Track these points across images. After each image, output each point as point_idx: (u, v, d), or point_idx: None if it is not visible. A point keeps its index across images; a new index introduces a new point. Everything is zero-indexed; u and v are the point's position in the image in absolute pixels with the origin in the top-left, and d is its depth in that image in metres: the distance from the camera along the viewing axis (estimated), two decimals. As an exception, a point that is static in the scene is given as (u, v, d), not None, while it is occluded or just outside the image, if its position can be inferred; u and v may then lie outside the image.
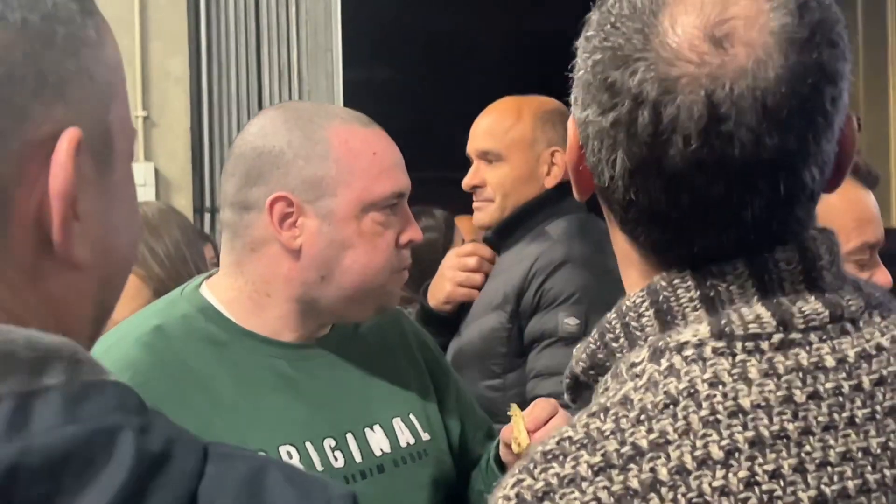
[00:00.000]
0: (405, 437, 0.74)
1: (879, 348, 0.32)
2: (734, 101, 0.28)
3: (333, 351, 0.74)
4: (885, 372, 0.31)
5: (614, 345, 0.35)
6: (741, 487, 0.27)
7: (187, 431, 0.21)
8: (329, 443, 0.69)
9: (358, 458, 0.70)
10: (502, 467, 0.72)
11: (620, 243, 0.37)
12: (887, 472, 0.30)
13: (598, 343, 0.36)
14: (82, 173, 0.20)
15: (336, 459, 0.68)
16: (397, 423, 0.74)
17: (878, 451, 0.30)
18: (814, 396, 0.30)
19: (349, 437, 0.70)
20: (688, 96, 0.28)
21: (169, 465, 0.18)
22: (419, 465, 0.74)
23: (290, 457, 0.65)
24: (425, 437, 0.76)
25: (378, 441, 0.72)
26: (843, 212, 0.75)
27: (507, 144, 1.20)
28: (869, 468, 0.29)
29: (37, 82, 0.19)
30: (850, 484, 0.29)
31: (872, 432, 0.30)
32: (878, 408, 0.31)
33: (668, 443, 0.28)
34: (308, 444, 0.67)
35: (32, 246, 0.19)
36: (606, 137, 0.31)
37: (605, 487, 0.28)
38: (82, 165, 0.20)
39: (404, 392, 0.77)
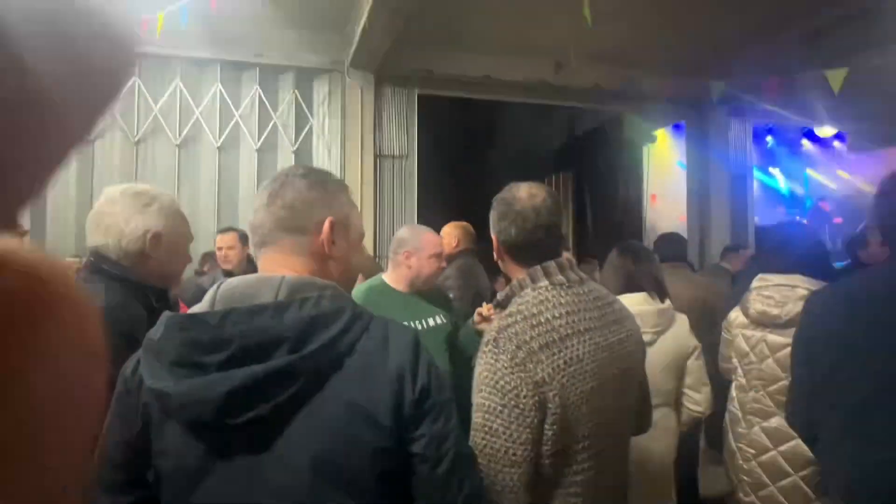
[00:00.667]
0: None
1: (598, 291, 1.10)
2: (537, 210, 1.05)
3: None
4: (604, 300, 1.09)
5: (517, 289, 1.05)
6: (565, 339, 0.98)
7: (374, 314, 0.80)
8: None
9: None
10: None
11: (510, 263, 1.10)
12: (615, 343, 1.04)
13: (511, 290, 1.06)
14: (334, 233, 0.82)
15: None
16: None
17: (612, 339, 1.04)
18: (586, 309, 1.02)
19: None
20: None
21: (364, 320, 0.75)
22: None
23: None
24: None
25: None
26: None
27: None
28: (607, 348, 1.02)
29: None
30: (603, 353, 1.01)
31: (608, 331, 1.04)
32: (608, 318, 1.06)
33: (541, 313, 0.98)
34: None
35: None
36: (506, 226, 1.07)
37: (524, 328, 0.95)
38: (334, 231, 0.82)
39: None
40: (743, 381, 1.70)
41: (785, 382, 1.56)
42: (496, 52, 4.64)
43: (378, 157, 4.54)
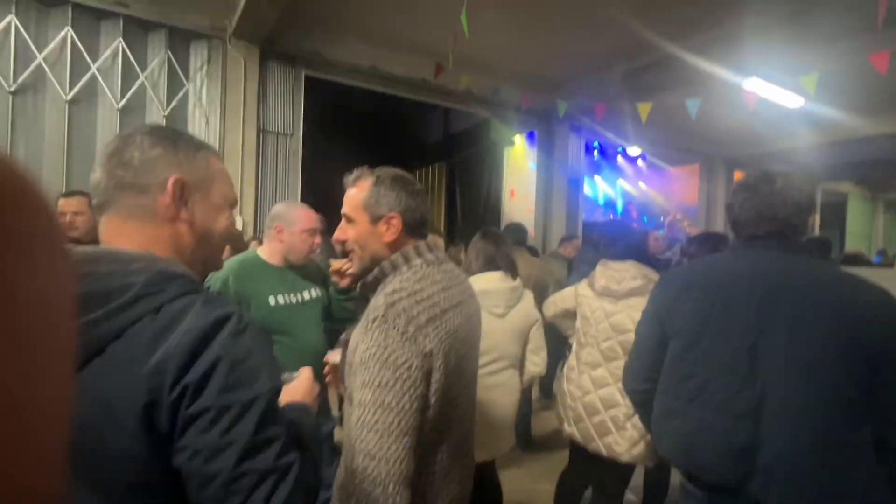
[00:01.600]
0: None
1: (455, 269, 1.06)
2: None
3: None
4: (460, 278, 1.06)
5: (389, 269, 0.96)
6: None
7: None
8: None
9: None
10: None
11: (402, 240, 0.98)
12: (473, 314, 1.04)
13: (381, 271, 0.96)
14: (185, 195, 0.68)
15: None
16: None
17: (471, 310, 1.03)
18: (454, 285, 0.99)
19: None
20: None
21: (154, 301, 0.58)
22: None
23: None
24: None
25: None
26: None
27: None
28: (469, 319, 1.00)
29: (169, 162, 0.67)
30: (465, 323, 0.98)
31: (467, 304, 1.02)
32: (466, 293, 1.04)
33: (423, 290, 0.92)
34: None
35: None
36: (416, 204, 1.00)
37: (411, 303, 0.87)
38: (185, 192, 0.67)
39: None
40: (582, 339, 1.86)
41: (613, 342, 1.74)
42: (384, 45, 4.44)
43: (262, 132, 4.07)
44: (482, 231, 1.77)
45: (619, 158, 8.32)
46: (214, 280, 1.51)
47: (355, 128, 7.28)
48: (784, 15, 3.30)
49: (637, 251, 1.80)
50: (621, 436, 1.68)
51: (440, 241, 1.73)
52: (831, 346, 0.98)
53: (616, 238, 1.85)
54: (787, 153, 6.79)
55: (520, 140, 6.77)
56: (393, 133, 7.94)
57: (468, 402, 1.00)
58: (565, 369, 1.95)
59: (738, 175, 7.99)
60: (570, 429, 1.83)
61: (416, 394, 0.81)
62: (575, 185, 5.69)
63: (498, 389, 1.62)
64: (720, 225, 7.28)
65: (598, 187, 9.36)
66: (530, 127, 5.98)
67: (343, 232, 1.00)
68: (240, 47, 3.86)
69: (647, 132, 6.28)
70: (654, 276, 1.73)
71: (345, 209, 1.00)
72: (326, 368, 1.13)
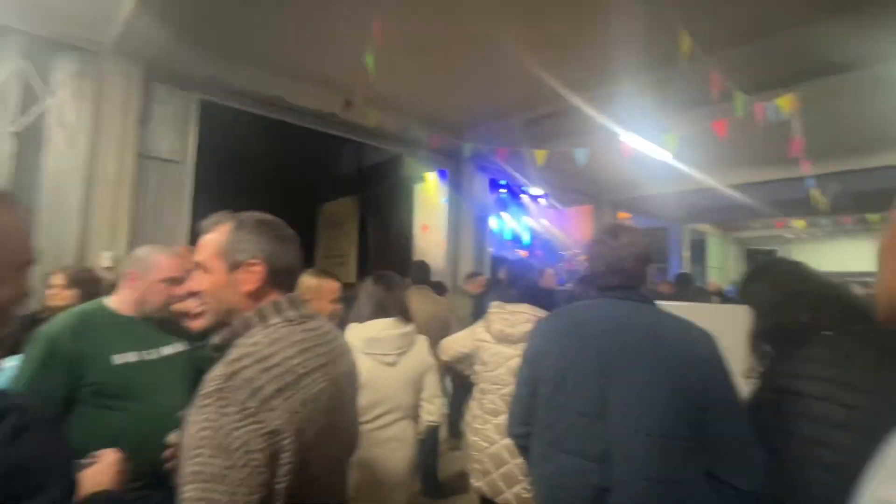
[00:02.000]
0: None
1: (325, 326, 0.96)
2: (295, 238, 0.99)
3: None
4: (331, 335, 0.96)
5: (242, 329, 0.84)
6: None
7: None
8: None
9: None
10: None
11: (266, 291, 0.88)
12: (342, 376, 0.93)
13: (233, 330, 0.85)
14: None
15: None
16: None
17: (341, 370, 0.93)
18: (318, 345, 0.89)
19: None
20: None
21: None
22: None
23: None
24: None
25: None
26: None
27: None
28: (336, 382, 0.90)
29: None
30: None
31: (336, 364, 0.92)
32: (336, 351, 0.93)
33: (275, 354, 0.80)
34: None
35: None
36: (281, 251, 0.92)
37: (256, 372, 0.75)
38: None
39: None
40: (483, 385, 1.82)
41: (513, 387, 1.65)
42: (292, 76, 4.30)
43: (143, 157, 3.64)
44: (374, 275, 1.70)
45: (525, 197, 8.89)
46: (41, 338, 1.23)
47: (261, 159, 6.90)
48: (650, 82, 3.82)
49: (532, 293, 1.84)
50: (531, 482, 1.63)
51: (330, 285, 1.61)
52: (664, 389, 1.05)
53: (516, 279, 1.90)
54: (660, 198, 7.79)
55: (432, 176, 6.93)
56: (302, 166, 7.67)
57: (335, 476, 0.89)
58: (468, 417, 1.89)
59: (621, 216, 8.97)
60: (477, 483, 1.76)
61: (257, 483, 0.68)
62: (482, 221, 5.91)
63: (390, 444, 1.51)
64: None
65: (506, 223, 9.86)
66: (440, 165, 6.15)
67: (197, 282, 0.87)
68: (119, 64, 3.46)
69: (546, 174, 6.81)
70: (543, 314, 1.76)
71: (199, 257, 0.87)
72: (167, 451, 0.95)
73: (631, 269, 1.18)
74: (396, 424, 1.53)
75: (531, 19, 3.25)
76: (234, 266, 0.85)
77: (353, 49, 3.17)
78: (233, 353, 0.78)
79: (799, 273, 1.20)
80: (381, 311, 1.55)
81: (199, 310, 0.87)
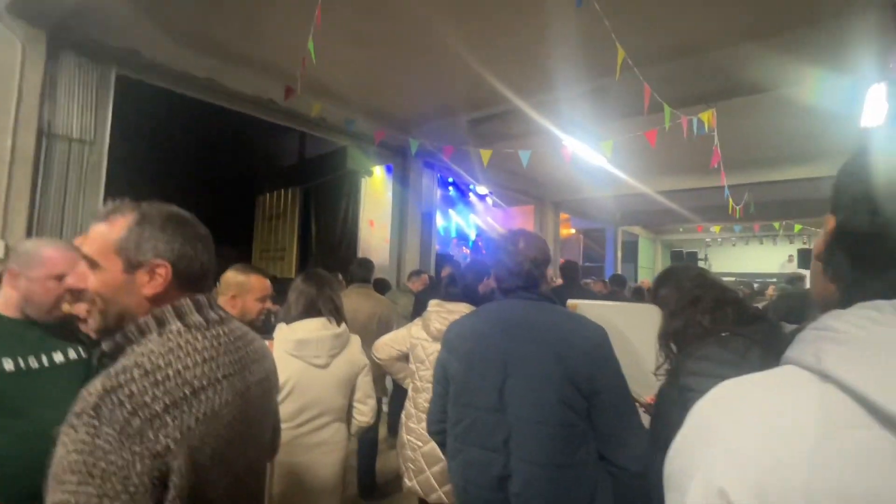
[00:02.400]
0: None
1: (239, 330, 0.87)
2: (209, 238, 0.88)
3: None
4: (244, 340, 0.88)
5: (136, 335, 0.74)
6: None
7: None
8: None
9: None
10: None
11: (171, 293, 0.78)
12: (253, 385, 0.86)
13: (126, 336, 0.74)
14: None
15: None
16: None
17: (252, 380, 0.85)
18: (226, 353, 0.81)
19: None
20: None
21: None
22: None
23: None
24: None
25: None
26: None
27: None
28: (244, 393, 0.83)
29: None
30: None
31: (247, 372, 0.85)
32: (247, 359, 0.86)
33: (169, 365, 0.72)
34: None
35: None
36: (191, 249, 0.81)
37: (144, 386, 0.67)
38: None
39: None
40: (418, 383, 1.81)
41: None
42: (226, 58, 4.01)
43: (46, 135, 3.23)
44: (305, 273, 1.62)
45: (472, 195, 9.00)
46: None
47: (192, 145, 6.41)
48: (588, 91, 3.99)
49: (472, 293, 1.85)
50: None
51: (257, 282, 1.51)
52: (555, 380, 1.13)
53: (453, 279, 1.90)
54: (598, 201, 8.21)
55: (380, 171, 6.80)
56: (239, 154, 7.22)
57: (241, 493, 0.82)
58: (403, 416, 1.86)
59: (563, 216, 9.34)
60: (410, 483, 1.74)
61: None
62: (428, 218, 5.89)
63: (320, 449, 1.45)
64: (553, 262, 8.35)
65: (453, 221, 9.93)
66: (387, 160, 6.04)
67: (80, 279, 0.76)
68: (16, 28, 3.04)
69: (491, 174, 6.92)
70: None
71: (87, 250, 0.76)
72: None
73: (529, 272, 1.26)
74: (327, 428, 1.47)
75: (474, 21, 3.27)
76: (134, 266, 0.75)
77: (295, 35, 3.01)
78: (118, 365, 0.68)
79: (701, 280, 1.29)
80: (310, 311, 1.48)
81: (84, 312, 0.76)
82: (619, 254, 10.57)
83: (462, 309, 1.78)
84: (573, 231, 11.13)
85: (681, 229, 11.98)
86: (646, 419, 1.37)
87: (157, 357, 0.70)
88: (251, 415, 0.83)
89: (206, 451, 0.70)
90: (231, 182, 7.61)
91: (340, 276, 4.38)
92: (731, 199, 5.76)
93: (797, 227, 9.32)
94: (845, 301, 0.42)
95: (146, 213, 0.78)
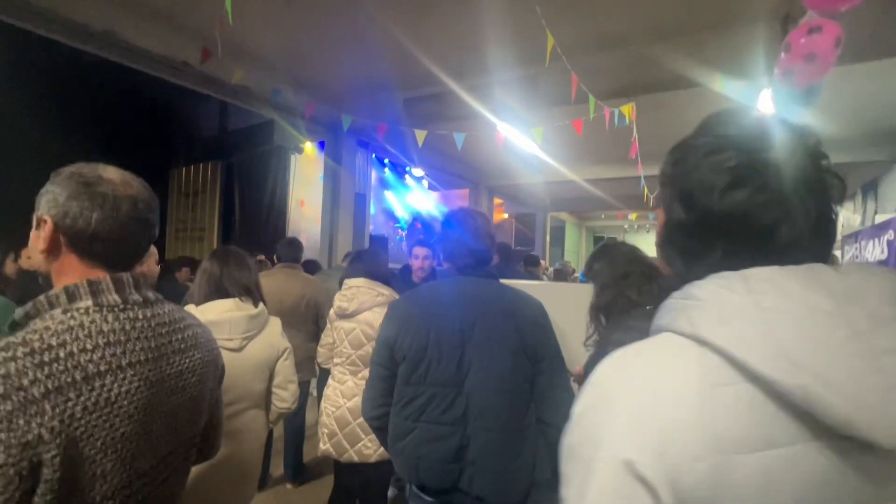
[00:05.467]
0: None
1: (168, 315, 0.81)
2: (134, 200, 0.79)
3: None
4: (171, 326, 0.81)
5: (44, 307, 0.69)
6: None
7: None
8: None
9: None
10: None
11: (68, 260, 0.73)
12: (173, 376, 0.79)
13: (35, 307, 0.69)
14: None
15: None
16: None
17: (170, 371, 0.79)
18: (139, 339, 0.74)
19: None
20: None
21: None
22: None
23: None
24: None
25: None
26: None
27: None
28: (158, 384, 0.76)
29: None
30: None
31: (165, 362, 0.78)
32: (171, 347, 0.79)
33: (63, 346, 0.65)
34: None
35: None
36: (84, 208, 0.74)
37: (26, 366, 0.60)
38: None
39: None
40: (336, 359, 1.94)
41: (354, 356, 1.85)
42: (130, 9, 3.52)
43: None
44: (213, 251, 1.49)
45: (408, 177, 8.89)
46: None
47: (93, 109, 5.61)
48: (519, 78, 4.06)
49: (372, 268, 1.92)
50: (369, 440, 1.77)
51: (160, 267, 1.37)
52: (511, 350, 1.19)
53: (357, 257, 2.00)
54: (529, 186, 8.49)
55: (312, 147, 6.45)
56: (152, 121, 6.47)
57: (150, 491, 0.75)
58: (326, 390, 1.97)
59: (497, 200, 9.57)
60: (324, 446, 1.85)
61: (4, 501, 0.55)
62: (362, 199, 5.72)
63: (236, 437, 1.36)
64: (484, 242, 8.56)
65: (389, 201, 9.76)
66: (319, 136, 5.75)
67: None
68: None
69: (427, 156, 6.86)
70: (385, 290, 1.89)
71: None
72: None
73: (487, 250, 1.30)
74: (243, 415, 1.38)
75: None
76: (36, 223, 0.74)
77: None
78: (4, 339, 0.62)
79: (632, 255, 1.37)
80: (218, 292, 1.36)
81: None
82: (548, 238, 11.09)
83: (360, 283, 1.87)
84: (506, 216, 11.47)
85: (602, 216, 12.83)
86: (575, 388, 1.46)
87: (50, 335, 0.64)
88: (165, 408, 0.77)
89: (96, 443, 0.64)
90: (140, 153, 6.81)
91: (263, 257, 4.13)
92: (646, 188, 6.23)
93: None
94: (681, 283, 0.49)
95: (60, 171, 0.75)
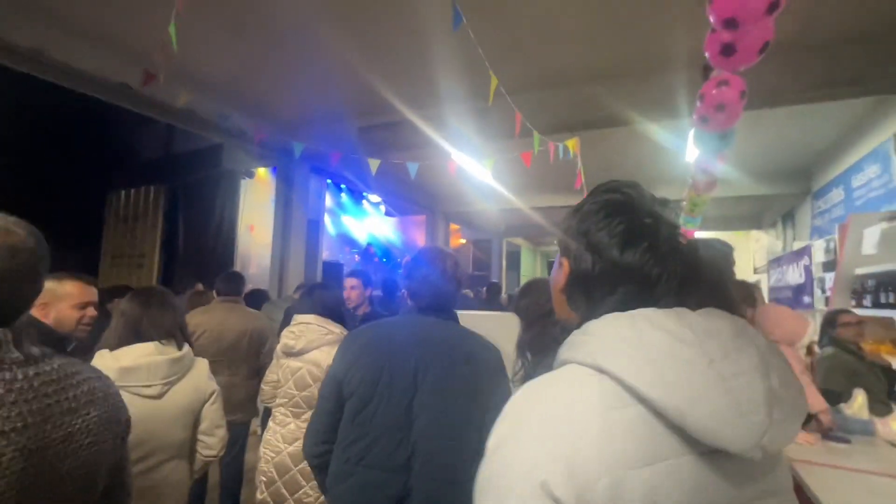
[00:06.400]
0: None
1: (58, 372, 0.72)
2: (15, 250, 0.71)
3: None
4: (61, 384, 0.72)
5: None
6: None
7: None
8: None
9: None
10: None
11: None
12: (58, 440, 0.69)
13: None
14: None
15: None
16: None
17: (56, 435, 0.69)
18: (14, 403, 0.65)
19: None
20: None
21: None
22: None
23: None
24: None
25: None
26: None
27: None
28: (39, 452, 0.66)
29: None
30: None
31: (50, 425, 0.68)
32: (58, 407, 0.71)
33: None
34: None
35: None
36: None
37: None
38: None
39: None
40: (278, 399, 1.80)
41: (298, 398, 1.73)
42: (68, 30, 3.35)
43: None
44: (133, 291, 1.39)
45: (365, 202, 8.84)
46: None
47: (24, 127, 5.22)
48: (473, 110, 4.19)
49: (322, 304, 1.83)
50: (311, 487, 1.64)
51: (78, 289, 1.27)
52: (461, 397, 1.15)
53: (309, 292, 1.89)
54: (484, 213, 8.66)
55: (265, 170, 6.27)
56: (88, 142, 6.09)
57: None
58: (266, 434, 1.82)
59: (453, 226, 9.68)
60: (261, 496, 1.69)
61: None
62: (315, 226, 5.60)
63: (152, 494, 1.24)
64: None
65: (345, 227, 9.61)
66: (270, 161, 5.62)
67: None
68: None
69: (384, 182, 6.88)
70: (336, 328, 1.80)
71: None
72: None
73: (449, 292, 1.27)
74: (161, 468, 1.26)
75: (359, 26, 3.22)
76: None
77: (157, 11, 2.63)
78: None
79: None
80: (135, 335, 1.26)
81: None
82: (504, 263, 11.29)
83: (310, 320, 1.78)
84: (463, 241, 11.60)
85: (555, 241, 13.25)
86: None
87: None
88: (49, 478, 0.69)
89: None
90: (74, 176, 6.37)
91: (202, 287, 3.91)
92: (592, 217, 6.51)
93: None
94: (583, 322, 0.55)
95: None
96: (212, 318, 2.32)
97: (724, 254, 1.63)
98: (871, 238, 3.32)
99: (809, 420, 1.53)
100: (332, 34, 3.29)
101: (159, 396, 1.26)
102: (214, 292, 2.48)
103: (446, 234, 8.83)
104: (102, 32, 3.44)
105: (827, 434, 1.45)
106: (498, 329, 1.41)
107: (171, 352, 1.31)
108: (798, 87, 3.33)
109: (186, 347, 1.36)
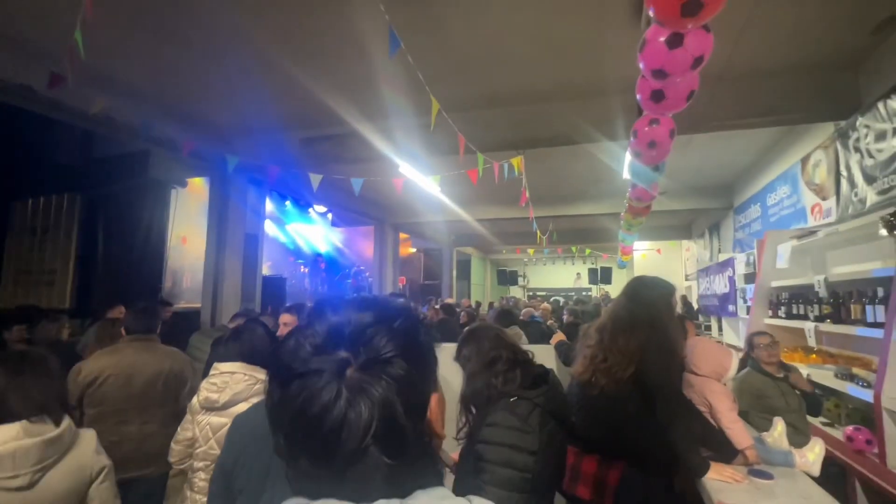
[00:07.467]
0: None
1: None
2: None
3: None
4: None
5: None
6: None
7: None
8: None
9: None
10: None
11: None
12: None
13: None
14: None
15: None
16: None
17: None
18: None
19: None
20: None
21: None
22: None
23: None
24: None
25: None
26: None
27: None
28: None
29: None
30: None
31: None
32: None
33: None
34: None
35: None
36: None
37: None
38: None
39: None
40: (194, 462, 1.54)
41: None
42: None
43: None
44: (2, 355, 1.16)
45: (312, 212, 8.49)
46: None
47: None
48: (419, 126, 4.11)
49: (251, 347, 1.55)
50: None
51: None
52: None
53: (234, 335, 1.59)
54: (433, 224, 8.61)
55: (199, 182, 5.82)
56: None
57: None
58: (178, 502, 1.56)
59: (403, 235, 9.54)
60: None
61: None
62: (253, 240, 5.26)
63: None
64: (390, 281, 8.42)
65: (290, 236, 9.18)
66: (203, 171, 5.22)
67: None
68: None
69: (330, 194, 6.62)
70: (265, 375, 1.55)
71: None
72: None
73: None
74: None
75: (297, 35, 3.05)
76: None
77: (64, 14, 2.32)
78: None
79: (498, 341, 1.34)
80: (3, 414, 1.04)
81: None
82: (455, 272, 11.30)
83: (237, 369, 1.51)
84: (413, 250, 11.48)
85: (503, 251, 13.50)
86: (450, 479, 1.35)
87: None
88: None
89: None
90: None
91: (122, 314, 3.51)
92: (538, 230, 6.67)
93: (587, 250, 11.39)
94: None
95: None
96: (119, 359, 2.04)
97: (666, 294, 1.63)
98: (783, 254, 3.60)
99: (736, 454, 1.57)
100: (270, 45, 3.08)
101: (29, 487, 1.05)
102: (123, 330, 2.16)
103: (395, 243, 8.68)
104: (2, 32, 3.02)
105: (751, 469, 1.50)
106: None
107: (45, 430, 1.09)
108: (720, 116, 3.56)
109: (66, 421, 1.15)
